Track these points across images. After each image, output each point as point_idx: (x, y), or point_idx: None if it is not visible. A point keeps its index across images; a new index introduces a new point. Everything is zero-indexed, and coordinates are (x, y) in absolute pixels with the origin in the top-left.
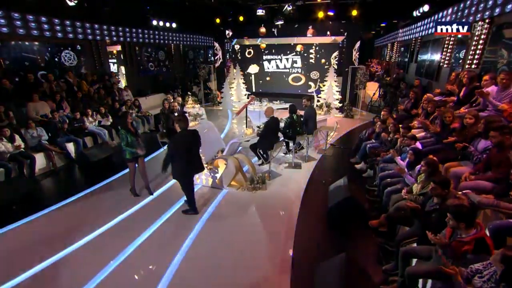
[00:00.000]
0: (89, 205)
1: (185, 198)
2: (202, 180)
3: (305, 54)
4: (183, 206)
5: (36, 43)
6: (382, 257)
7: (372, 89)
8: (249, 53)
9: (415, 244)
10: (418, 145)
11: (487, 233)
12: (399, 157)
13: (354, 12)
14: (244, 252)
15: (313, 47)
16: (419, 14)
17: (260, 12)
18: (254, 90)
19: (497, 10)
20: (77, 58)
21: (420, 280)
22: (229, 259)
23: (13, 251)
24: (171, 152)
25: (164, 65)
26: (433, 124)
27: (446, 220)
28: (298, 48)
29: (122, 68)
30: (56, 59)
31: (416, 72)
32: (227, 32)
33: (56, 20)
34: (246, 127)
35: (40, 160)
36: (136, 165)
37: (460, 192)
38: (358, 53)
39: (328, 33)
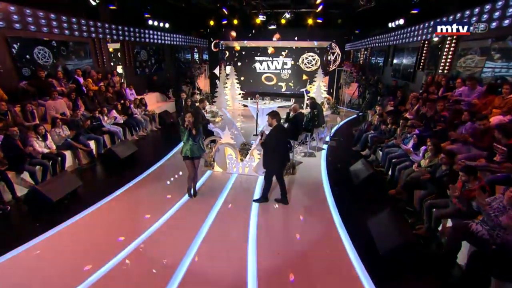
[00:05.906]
0: (137, 199)
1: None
2: (238, 169)
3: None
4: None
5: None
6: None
7: (350, 89)
8: (224, 54)
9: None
10: (417, 131)
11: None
12: (402, 142)
13: (339, 21)
14: (304, 222)
15: (286, 50)
16: (394, 26)
17: (261, 18)
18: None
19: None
20: (52, 56)
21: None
22: (295, 229)
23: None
24: (272, 145)
25: (157, 64)
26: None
27: (459, 178)
28: (269, 51)
29: (119, 68)
30: (27, 56)
31: (392, 74)
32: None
33: (64, 17)
34: (257, 123)
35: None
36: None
37: (460, 161)
38: (339, 56)
39: (296, 38)
